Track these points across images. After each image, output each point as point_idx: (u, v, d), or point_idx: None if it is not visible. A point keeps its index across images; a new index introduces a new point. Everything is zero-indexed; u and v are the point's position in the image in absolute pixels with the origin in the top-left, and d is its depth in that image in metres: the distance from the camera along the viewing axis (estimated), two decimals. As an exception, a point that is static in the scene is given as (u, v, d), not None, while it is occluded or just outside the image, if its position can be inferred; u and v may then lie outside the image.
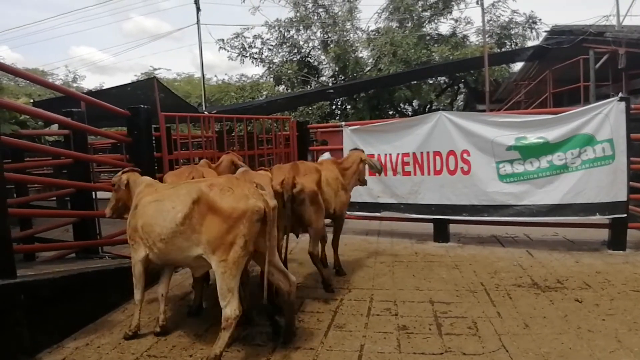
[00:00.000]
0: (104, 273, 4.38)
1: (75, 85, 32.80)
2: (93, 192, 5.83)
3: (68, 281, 3.84)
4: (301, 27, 21.58)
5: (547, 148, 5.61)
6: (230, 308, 2.96)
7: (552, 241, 6.23)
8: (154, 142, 5.80)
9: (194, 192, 3.07)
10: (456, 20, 21.41)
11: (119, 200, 3.82)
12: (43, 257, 5.66)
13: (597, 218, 5.54)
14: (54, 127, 5.77)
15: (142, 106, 5.36)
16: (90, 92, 14.69)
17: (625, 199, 5.39)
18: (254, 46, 22.43)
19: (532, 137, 5.66)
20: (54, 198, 7.85)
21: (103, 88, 21.94)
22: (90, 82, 43.97)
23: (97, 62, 65.82)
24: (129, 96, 10.17)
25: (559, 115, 5.68)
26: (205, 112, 12.09)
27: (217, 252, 2.97)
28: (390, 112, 21.68)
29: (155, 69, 31.73)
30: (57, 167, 8.64)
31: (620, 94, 5.52)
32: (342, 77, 21.17)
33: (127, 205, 3.75)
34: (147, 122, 5.43)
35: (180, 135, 7.00)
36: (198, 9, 20.95)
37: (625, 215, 5.42)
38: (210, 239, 2.99)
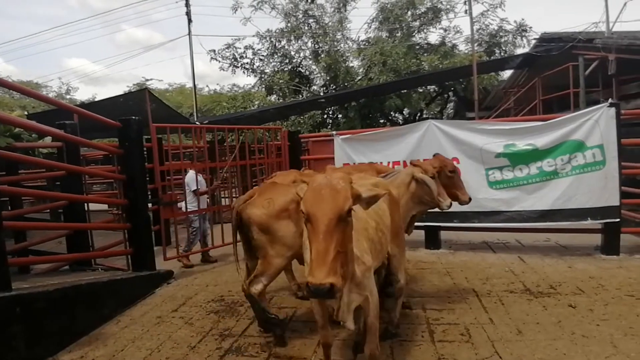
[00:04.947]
0: (97, 285, 4.38)
1: (68, 97, 32.69)
2: (85, 204, 5.81)
3: (62, 294, 3.82)
4: (292, 38, 21.63)
5: (536, 154, 5.67)
6: (403, 279, 3.46)
7: (544, 247, 6.27)
8: (145, 153, 5.80)
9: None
10: (445, 30, 21.53)
11: None
12: (37, 270, 5.63)
13: (589, 223, 5.60)
14: (48, 140, 5.76)
15: (133, 117, 5.36)
16: (82, 104, 14.61)
17: (617, 203, 5.45)
18: (246, 56, 22.43)
19: (521, 144, 5.72)
20: (48, 210, 7.82)
21: (95, 99, 21.85)
22: (83, 93, 43.94)
23: (90, 73, 65.54)
24: (121, 107, 10.13)
25: (548, 122, 5.74)
26: (197, 123, 12.09)
27: (397, 235, 3.35)
28: (381, 121, 21.73)
29: (147, 80, 31.63)
30: (51, 180, 8.61)
31: (610, 100, 5.56)
32: (333, 87, 21.22)
33: None
34: (138, 133, 5.43)
35: (172, 146, 7.00)
36: (189, 20, 21.02)
37: (618, 219, 5.48)
38: (394, 227, 3.27)
